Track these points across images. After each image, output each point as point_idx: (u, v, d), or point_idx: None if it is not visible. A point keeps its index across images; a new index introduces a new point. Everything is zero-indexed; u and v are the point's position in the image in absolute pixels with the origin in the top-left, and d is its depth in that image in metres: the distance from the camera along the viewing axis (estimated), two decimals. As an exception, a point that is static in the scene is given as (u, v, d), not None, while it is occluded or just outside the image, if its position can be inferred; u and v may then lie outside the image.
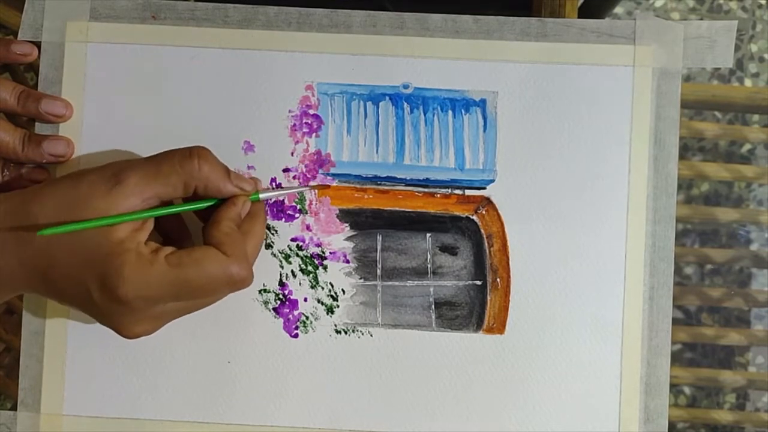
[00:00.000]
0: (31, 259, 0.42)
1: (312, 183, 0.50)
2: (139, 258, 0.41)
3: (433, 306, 0.50)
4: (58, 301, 0.44)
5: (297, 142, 0.50)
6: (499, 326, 0.50)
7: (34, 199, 0.42)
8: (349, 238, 0.50)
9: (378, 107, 0.50)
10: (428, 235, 0.50)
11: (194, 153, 0.43)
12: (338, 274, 0.50)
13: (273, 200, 0.50)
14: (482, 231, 0.50)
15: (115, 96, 0.51)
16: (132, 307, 0.41)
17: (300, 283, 0.50)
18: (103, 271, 0.40)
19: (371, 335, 0.50)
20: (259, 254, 0.45)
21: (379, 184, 0.50)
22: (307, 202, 0.50)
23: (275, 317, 0.50)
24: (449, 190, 0.50)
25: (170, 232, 0.47)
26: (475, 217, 0.50)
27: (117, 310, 0.41)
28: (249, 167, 0.50)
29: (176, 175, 0.42)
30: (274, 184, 0.50)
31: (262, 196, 0.46)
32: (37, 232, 0.40)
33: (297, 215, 0.50)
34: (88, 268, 0.41)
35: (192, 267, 0.41)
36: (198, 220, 0.47)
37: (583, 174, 0.50)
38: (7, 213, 0.42)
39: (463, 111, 0.50)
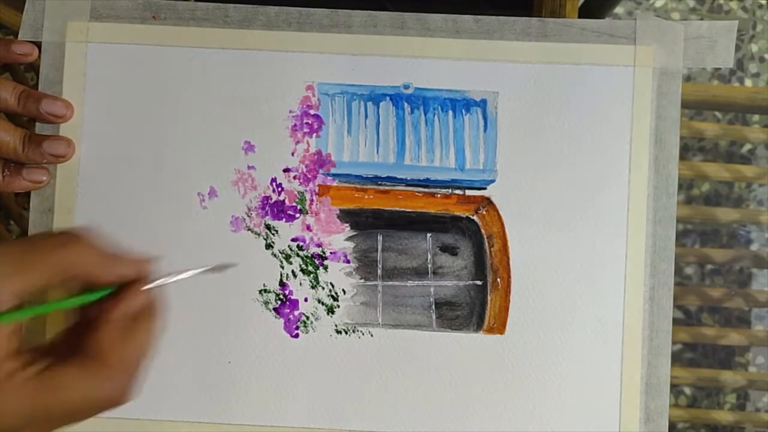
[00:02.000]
0: None
1: (213, 265, 0.42)
2: (6, 378, 0.34)
3: (433, 306, 0.50)
4: None
5: (297, 142, 0.50)
6: (499, 326, 0.50)
7: None
8: (349, 238, 0.50)
9: (378, 107, 0.50)
10: (429, 235, 0.50)
11: (65, 239, 0.36)
12: (339, 275, 0.50)
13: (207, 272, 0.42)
14: (483, 231, 0.50)
15: (115, 96, 0.51)
16: None
17: (300, 284, 0.50)
18: None
19: (372, 335, 0.50)
20: (145, 363, 0.38)
21: (380, 184, 0.50)
22: (308, 202, 0.50)
23: (276, 317, 0.50)
24: (450, 191, 0.50)
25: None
26: (475, 218, 0.50)
27: None
28: (249, 167, 0.50)
29: (45, 265, 0.35)
30: (274, 184, 0.50)
31: (148, 286, 0.38)
32: None
33: (297, 215, 0.50)
34: None
35: (61, 390, 0.35)
36: None
37: (583, 174, 0.50)
38: None
39: (463, 111, 0.50)
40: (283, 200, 0.50)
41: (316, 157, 0.50)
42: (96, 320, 0.36)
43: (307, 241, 0.50)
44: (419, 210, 0.50)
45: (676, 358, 1.11)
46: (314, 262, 0.50)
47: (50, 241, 0.36)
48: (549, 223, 0.50)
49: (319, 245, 0.50)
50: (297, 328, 0.50)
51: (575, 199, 0.50)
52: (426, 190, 0.50)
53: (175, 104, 0.50)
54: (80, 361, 0.36)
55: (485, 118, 0.50)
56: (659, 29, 0.50)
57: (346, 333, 0.50)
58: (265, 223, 0.50)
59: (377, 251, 0.50)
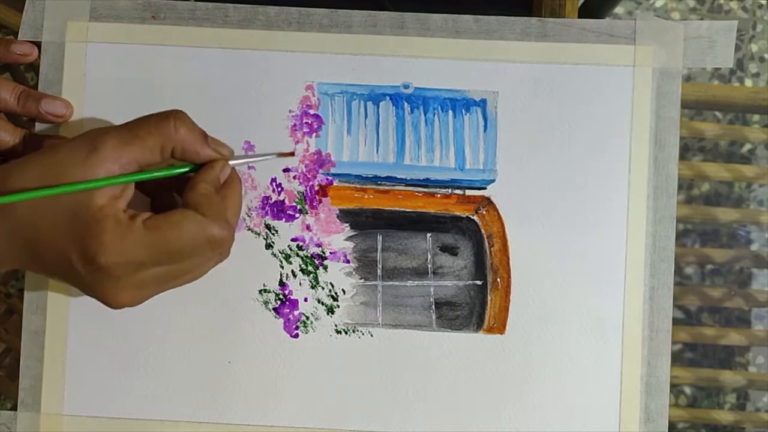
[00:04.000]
0: (16, 230, 0.41)
1: (278, 151, 0.50)
2: (117, 224, 0.40)
3: (433, 306, 0.50)
4: (46, 275, 0.44)
5: (297, 142, 0.50)
6: (499, 326, 0.50)
7: (16, 169, 0.42)
8: (349, 238, 0.50)
9: (378, 107, 0.50)
10: (428, 235, 0.50)
11: (170, 115, 0.43)
12: (338, 274, 0.50)
13: (247, 165, 0.50)
14: (482, 231, 0.50)
15: (115, 96, 0.51)
16: (113, 274, 0.41)
17: (300, 284, 0.50)
18: (83, 239, 0.40)
19: (371, 335, 0.50)
20: (239, 219, 0.45)
21: (380, 184, 0.50)
22: (308, 202, 0.50)
23: (275, 317, 0.50)
24: (449, 190, 0.50)
25: (157, 202, 0.47)
26: (475, 217, 0.50)
27: (99, 277, 0.41)
28: (249, 167, 0.50)
29: (152, 138, 0.42)
30: (274, 184, 0.50)
31: (231, 162, 0.45)
32: None
33: (297, 215, 0.50)
34: (69, 237, 0.41)
35: (170, 229, 0.41)
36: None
37: (583, 174, 0.50)
38: None
39: (463, 111, 0.50)
40: (283, 200, 0.50)
41: (315, 156, 0.50)
42: (192, 182, 0.43)
43: (307, 241, 0.50)
44: (419, 210, 0.50)
45: (676, 358, 1.11)
46: (314, 262, 0.50)
47: (157, 117, 0.42)
48: (549, 223, 0.50)
49: (318, 245, 0.50)
50: (297, 328, 0.50)
51: (575, 199, 0.50)
52: (426, 189, 0.50)
53: (175, 104, 0.50)
54: (182, 210, 0.42)
55: (485, 118, 0.50)
56: (659, 29, 0.50)
57: (346, 333, 0.50)
58: (264, 223, 0.50)
59: (377, 251, 0.50)
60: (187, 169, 0.44)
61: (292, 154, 0.50)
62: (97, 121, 0.50)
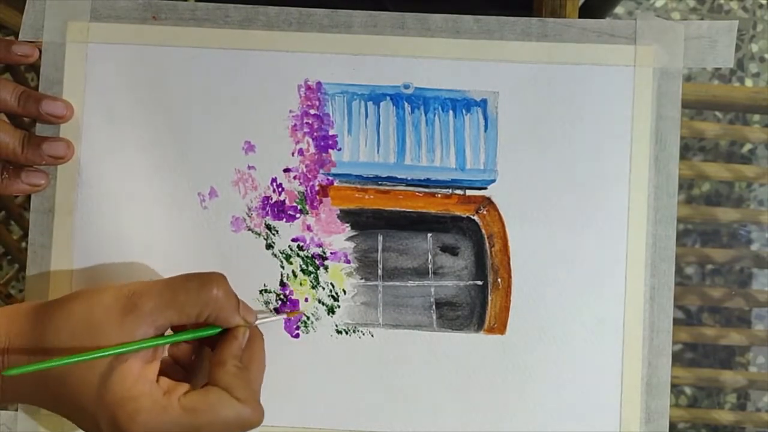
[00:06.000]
0: (43, 382, 0.41)
1: (286, 310, 0.50)
2: (154, 404, 0.40)
3: (434, 306, 0.50)
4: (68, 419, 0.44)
5: (297, 142, 0.50)
6: (500, 326, 0.50)
7: (49, 322, 0.42)
8: (350, 239, 0.50)
9: (379, 107, 0.50)
10: (429, 235, 0.50)
11: (213, 283, 0.42)
12: (339, 275, 0.50)
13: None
14: (483, 231, 0.50)
15: (115, 96, 0.50)
16: None
17: (301, 284, 0.50)
18: (116, 414, 0.40)
19: (372, 335, 0.50)
20: (263, 376, 0.45)
21: (380, 184, 0.50)
22: (308, 202, 0.50)
23: (276, 317, 0.50)
24: (450, 190, 0.50)
25: (180, 358, 0.46)
26: (476, 217, 0.50)
27: None
28: (249, 167, 0.50)
29: (192, 305, 0.42)
30: (275, 184, 0.50)
31: (254, 323, 0.45)
32: (2, 372, 0.40)
33: (298, 215, 0.50)
34: (100, 405, 0.40)
35: (206, 413, 0.40)
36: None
37: (584, 174, 0.50)
38: (19, 334, 0.42)
39: (464, 111, 0.50)
40: (284, 200, 0.50)
41: (316, 157, 0.50)
42: (220, 358, 0.43)
43: (308, 241, 0.50)
44: (420, 210, 0.50)
45: (677, 358, 1.11)
46: (314, 263, 0.50)
47: (200, 282, 0.42)
48: (549, 223, 0.50)
49: (319, 245, 0.50)
50: (297, 328, 0.50)
51: (575, 199, 0.50)
52: (426, 190, 0.50)
53: (175, 104, 0.50)
54: (216, 390, 0.41)
55: (486, 118, 0.50)
56: (659, 29, 0.50)
57: (347, 333, 0.50)
58: (265, 223, 0.50)
59: (378, 251, 0.50)
60: (213, 333, 0.44)
61: (300, 312, 0.50)
62: (97, 121, 0.50)
